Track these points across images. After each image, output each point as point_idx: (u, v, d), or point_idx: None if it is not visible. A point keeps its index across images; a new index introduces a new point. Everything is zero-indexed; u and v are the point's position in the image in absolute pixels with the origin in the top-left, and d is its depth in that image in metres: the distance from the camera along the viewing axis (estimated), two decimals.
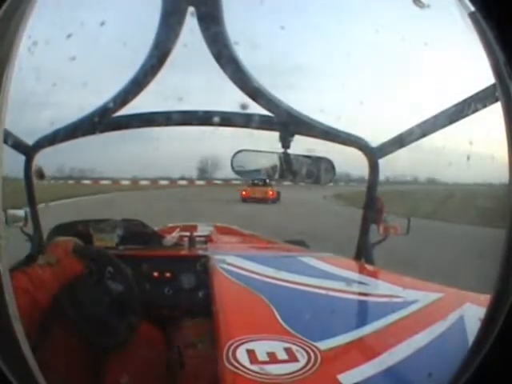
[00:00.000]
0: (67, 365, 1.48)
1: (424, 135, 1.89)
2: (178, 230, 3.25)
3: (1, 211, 0.71)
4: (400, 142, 2.10)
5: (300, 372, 1.00)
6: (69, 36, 1.33)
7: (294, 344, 1.12)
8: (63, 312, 1.57)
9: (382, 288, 1.76)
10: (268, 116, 1.95)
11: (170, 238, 2.59)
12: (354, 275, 1.98)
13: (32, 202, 2.31)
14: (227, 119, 2.04)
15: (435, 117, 1.79)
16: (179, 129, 2.16)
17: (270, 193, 11.07)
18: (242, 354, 1.06)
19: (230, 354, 1.06)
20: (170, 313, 2.01)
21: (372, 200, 2.35)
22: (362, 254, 2.39)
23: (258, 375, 0.98)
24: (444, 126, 1.75)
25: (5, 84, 0.64)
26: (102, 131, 1.98)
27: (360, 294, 1.69)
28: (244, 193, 10.79)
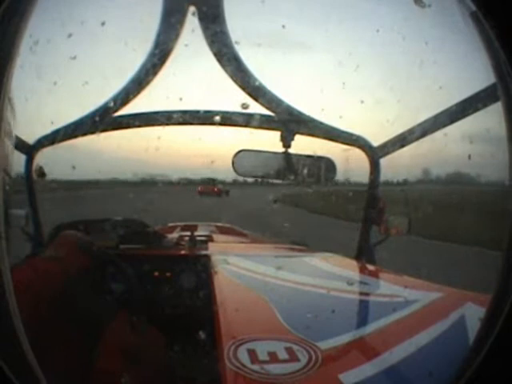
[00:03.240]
0: (67, 363, 1.48)
1: (425, 135, 1.89)
2: (178, 229, 3.25)
3: (1, 211, 0.71)
4: (401, 141, 2.10)
5: (301, 372, 1.00)
6: (70, 35, 1.33)
7: (294, 344, 1.12)
8: (64, 310, 1.57)
9: (383, 288, 1.76)
10: (269, 115, 1.95)
11: (171, 238, 2.59)
12: (355, 275, 1.98)
13: (33, 201, 2.31)
14: (228, 119, 2.04)
15: (436, 116, 1.79)
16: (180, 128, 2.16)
17: (216, 189, 15.08)
18: (242, 354, 1.06)
19: (231, 353, 1.06)
20: (170, 312, 2.01)
21: (373, 200, 2.35)
22: (363, 253, 2.39)
23: (259, 375, 0.98)
24: (445, 125, 1.75)
25: (6, 83, 0.64)
26: (103, 131, 1.98)
27: (361, 293, 1.69)
28: (200, 188, 14.99)
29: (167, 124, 2.11)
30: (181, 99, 1.97)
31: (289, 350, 1.09)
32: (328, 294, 1.55)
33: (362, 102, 1.79)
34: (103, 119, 1.91)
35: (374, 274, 2.00)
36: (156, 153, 1.84)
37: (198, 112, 2.08)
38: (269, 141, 2.06)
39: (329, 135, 2.14)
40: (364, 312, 1.57)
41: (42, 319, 1.35)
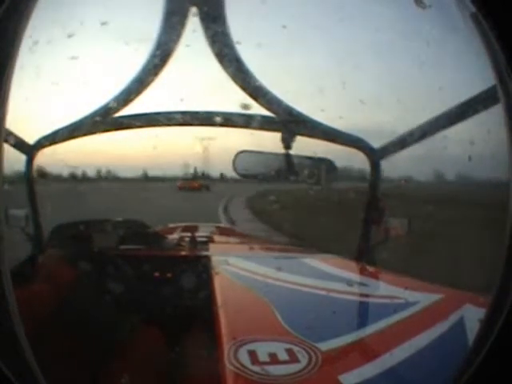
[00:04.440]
0: (67, 365, 1.48)
1: (425, 136, 1.88)
2: (178, 230, 3.25)
3: (1, 211, 0.71)
4: (401, 142, 2.10)
5: (301, 373, 1.00)
6: (70, 35, 1.33)
7: (294, 345, 1.12)
8: (64, 313, 1.57)
9: (383, 289, 1.76)
10: (270, 117, 1.95)
11: (171, 239, 2.60)
12: (355, 276, 1.98)
13: (33, 201, 2.31)
14: (229, 119, 2.04)
15: (436, 118, 1.79)
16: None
17: (196, 185, 14.67)
18: (243, 355, 1.06)
19: (232, 354, 1.06)
20: (170, 313, 2.01)
21: (373, 201, 2.35)
22: (363, 255, 2.39)
23: (260, 376, 0.98)
24: (445, 127, 1.75)
25: (6, 83, 0.64)
26: (104, 131, 1.98)
27: (361, 295, 1.69)
28: (179, 184, 14.46)
29: (168, 125, 2.11)
30: (182, 100, 1.98)
31: (289, 351, 1.09)
32: (328, 296, 1.55)
33: (362, 102, 1.78)
34: (104, 119, 1.91)
35: (374, 276, 2.00)
36: (157, 153, 1.84)
37: (198, 113, 2.08)
38: (269, 142, 2.06)
39: (329, 136, 2.14)
40: (364, 313, 1.57)
41: (40, 330, 1.36)
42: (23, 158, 2.11)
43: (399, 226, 2.21)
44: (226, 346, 1.10)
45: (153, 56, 1.63)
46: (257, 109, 1.85)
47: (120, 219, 2.44)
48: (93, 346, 1.59)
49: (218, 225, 3.91)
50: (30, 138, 2.09)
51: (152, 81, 1.73)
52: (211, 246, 2.48)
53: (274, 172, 2.03)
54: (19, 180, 2.15)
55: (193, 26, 1.51)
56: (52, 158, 2.12)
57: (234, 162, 2.05)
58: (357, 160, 2.34)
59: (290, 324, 1.24)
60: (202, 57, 1.68)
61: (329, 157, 2.12)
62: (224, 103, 2.15)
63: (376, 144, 2.27)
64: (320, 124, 2.06)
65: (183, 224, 3.60)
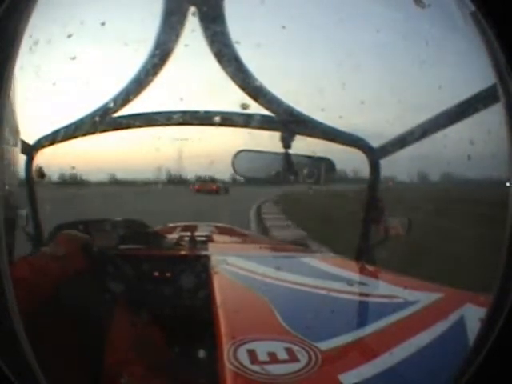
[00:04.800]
0: (67, 364, 1.48)
1: (425, 135, 1.88)
2: (178, 229, 3.25)
3: (1, 211, 0.71)
4: (401, 142, 2.10)
5: (301, 372, 1.00)
6: (70, 35, 1.33)
7: (294, 344, 1.12)
8: (62, 310, 1.57)
9: (383, 288, 1.76)
10: (269, 116, 1.94)
11: (171, 238, 2.60)
12: (355, 275, 1.98)
13: (33, 201, 2.31)
14: (228, 119, 2.04)
15: (436, 117, 1.79)
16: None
17: (214, 187, 14.37)
18: (242, 354, 1.06)
19: (231, 353, 1.06)
20: (170, 313, 2.01)
21: (373, 200, 2.35)
22: (363, 254, 2.39)
23: (259, 375, 0.98)
24: (445, 126, 1.75)
25: (6, 83, 0.64)
26: (103, 131, 1.98)
27: (361, 294, 1.69)
28: (197, 187, 14.41)
29: (167, 124, 2.11)
30: (181, 99, 1.98)
31: (288, 351, 1.09)
32: (328, 295, 1.55)
33: (362, 102, 1.78)
34: (103, 119, 1.91)
35: (374, 275, 1.99)
36: (156, 153, 1.84)
37: (197, 112, 2.08)
38: (269, 141, 2.06)
39: (329, 136, 2.14)
40: (364, 313, 1.57)
41: (35, 317, 1.35)
42: (23, 158, 2.12)
43: (399, 225, 2.21)
44: (226, 345, 1.10)
45: (152, 56, 1.62)
46: (256, 108, 1.86)
47: (119, 219, 2.44)
48: (93, 345, 1.59)
49: (217, 224, 3.90)
50: (30, 139, 2.09)
51: (151, 81, 1.73)
52: (210, 245, 2.48)
53: (273, 171, 2.03)
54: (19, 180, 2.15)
55: (192, 26, 1.51)
56: (52, 158, 2.12)
57: (233, 161, 2.05)
58: (356, 159, 2.35)
59: (290, 323, 1.24)
60: (201, 56, 1.68)
61: (328, 156, 2.12)
62: (223, 103, 2.15)
63: (376, 143, 2.27)
64: (320, 124, 2.06)
65: (182, 223, 3.60)
